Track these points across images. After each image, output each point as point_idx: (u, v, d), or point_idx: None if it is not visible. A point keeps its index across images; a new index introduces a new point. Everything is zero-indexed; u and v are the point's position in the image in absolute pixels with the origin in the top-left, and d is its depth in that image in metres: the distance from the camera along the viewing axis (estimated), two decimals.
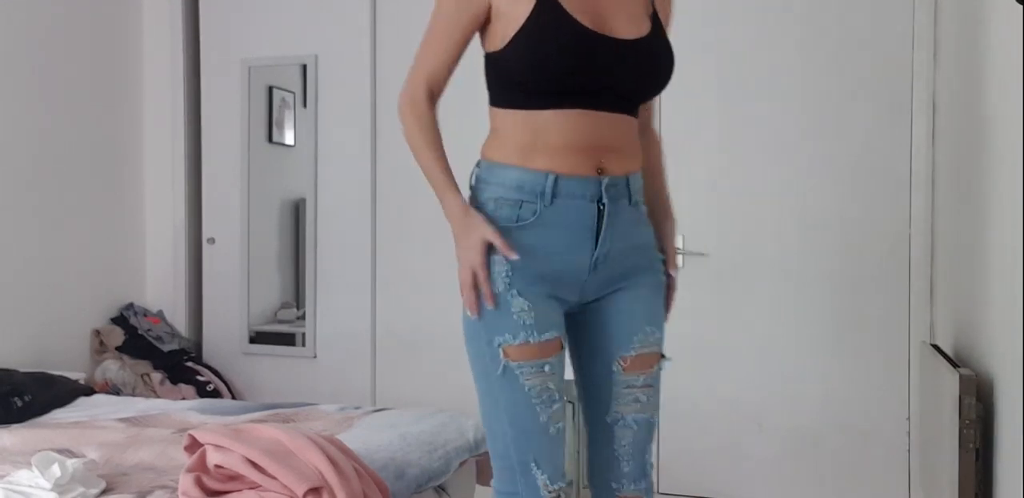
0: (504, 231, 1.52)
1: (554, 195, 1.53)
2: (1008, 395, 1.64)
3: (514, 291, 1.52)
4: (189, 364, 3.68)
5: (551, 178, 1.52)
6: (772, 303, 3.18)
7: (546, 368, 1.53)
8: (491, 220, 1.52)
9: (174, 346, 3.69)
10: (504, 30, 1.52)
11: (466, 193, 1.60)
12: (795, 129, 3.15)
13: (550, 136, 1.53)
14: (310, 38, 3.70)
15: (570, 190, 1.53)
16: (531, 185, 1.53)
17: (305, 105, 3.74)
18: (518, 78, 1.54)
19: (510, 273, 1.52)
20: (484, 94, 1.64)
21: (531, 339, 1.51)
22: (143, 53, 3.89)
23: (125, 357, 3.57)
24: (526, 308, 1.52)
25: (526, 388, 1.52)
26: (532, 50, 1.50)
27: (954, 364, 1.99)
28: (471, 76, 1.65)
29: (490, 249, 1.51)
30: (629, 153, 1.60)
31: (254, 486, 1.80)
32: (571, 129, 1.53)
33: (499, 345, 1.51)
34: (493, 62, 1.58)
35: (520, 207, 1.53)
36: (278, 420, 2.50)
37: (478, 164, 1.61)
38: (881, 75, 3.06)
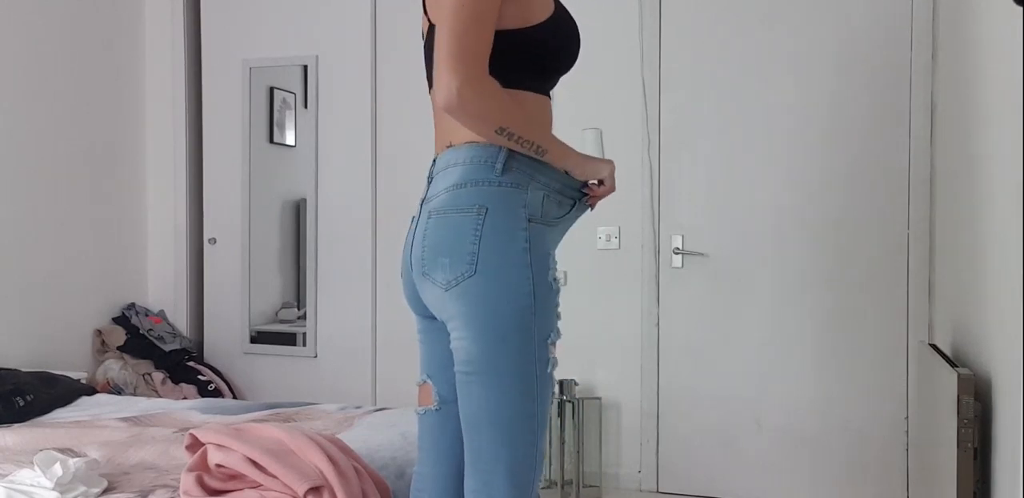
0: (544, 230, 1.40)
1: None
2: (1006, 394, 1.64)
3: (559, 285, 1.42)
4: (190, 364, 3.69)
5: None
6: (771, 303, 3.18)
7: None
8: (537, 219, 1.40)
9: (175, 346, 3.69)
10: (538, 8, 1.43)
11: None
12: (794, 130, 3.16)
13: (548, 124, 1.48)
14: (311, 39, 3.71)
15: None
16: (571, 180, 1.46)
17: (306, 106, 3.74)
18: (553, 53, 1.45)
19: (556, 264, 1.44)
20: None
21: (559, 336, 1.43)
22: (145, 54, 3.90)
23: (127, 357, 3.58)
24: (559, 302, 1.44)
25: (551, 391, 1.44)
26: (570, 25, 1.48)
27: (952, 364, 1.99)
28: None
29: (543, 242, 1.40)
30: None
31: (255, 485, 1.80)
32: (550, 117, 1.49)
33: (551, 342, 1.39)
34: (524, 37, 1.41)
35: (568, 206, 1.47)
36: (279, 419, 2.51)
37: (499, 151, 1.38)
38: (880, 76, 3.07)
